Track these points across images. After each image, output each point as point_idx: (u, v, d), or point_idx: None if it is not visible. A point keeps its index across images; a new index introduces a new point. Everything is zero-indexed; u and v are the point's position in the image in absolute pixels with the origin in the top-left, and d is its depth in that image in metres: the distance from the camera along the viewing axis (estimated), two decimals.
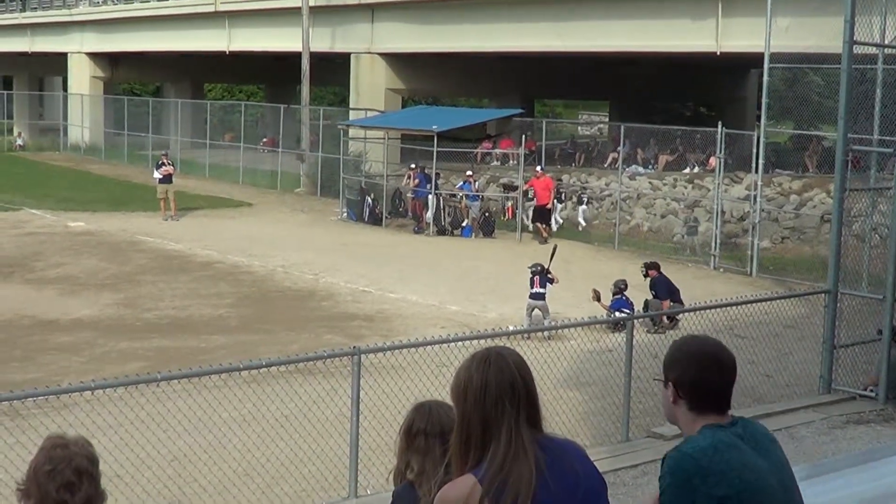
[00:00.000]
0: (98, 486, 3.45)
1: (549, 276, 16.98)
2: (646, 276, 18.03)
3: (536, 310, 16.80)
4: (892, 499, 6.88)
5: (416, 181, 29.38)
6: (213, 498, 9.29)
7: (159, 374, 8.95)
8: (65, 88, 56.47)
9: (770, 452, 3.52)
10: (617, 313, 16.29)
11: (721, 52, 27.19)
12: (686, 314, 15.15)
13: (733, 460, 3.37)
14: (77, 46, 52.37)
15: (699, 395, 3.49)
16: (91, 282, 20.88)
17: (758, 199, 23.20)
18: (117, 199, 33.65)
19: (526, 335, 14.88)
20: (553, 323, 15.94)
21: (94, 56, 52.04)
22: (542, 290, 16.78)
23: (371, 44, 36.85)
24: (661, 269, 18.17)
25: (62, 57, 53.62)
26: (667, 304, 17.12)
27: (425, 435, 3.90)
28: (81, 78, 52.36)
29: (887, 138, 15.37)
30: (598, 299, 16.84)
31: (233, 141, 43.18)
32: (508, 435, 3.13)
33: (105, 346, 15.91)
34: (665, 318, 16.30)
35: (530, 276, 16.96)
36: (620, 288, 17.24)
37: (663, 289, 17.54)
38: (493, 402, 3.15)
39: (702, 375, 3.49)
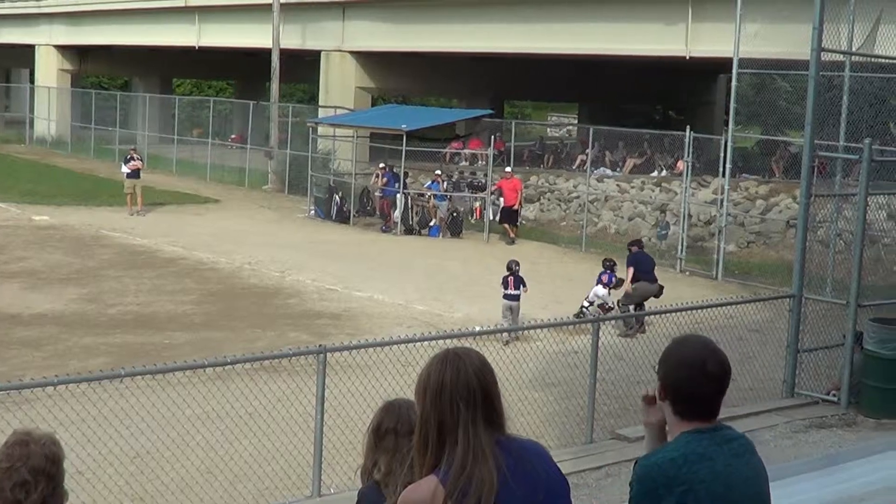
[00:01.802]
0: (58, 485, 3.38)
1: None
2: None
3: (511, 310, 16.84)
4: (854, 502, 6.95)
5: (385, 180, 29.35)
6: (175, 495, 9.24)
7: (123, 369, 8.89)
8: (32, 81, 55.95)
9: (748, 462, 3.48)
10: (600, 287, 17.49)
11: (690, 57, 27.33)
12: (651, 317, 15.25)
13: (702, 472, 3.35)
14: (45, 39, 51.91)
15: (682, 400, 3.44)
16: (55, 276, 20.70)
17: (724, 204, 23.33)
18: (83, 193, 33.38)
19: (492, 335, 14.88)
20: (522, 324, 16.01)
21: (63, 49, 51.60)
22: (517, 292, 16.83)
23: (342, 42, 36.77)
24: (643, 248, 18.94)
25: (30, 49, 53.14)
26: (630, 270, 17.70)
27: (395, 434, 3.87)
28: (49, 70, 51.90)
29: (853, 145, 15.51)
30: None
31: (201, 136, 42.95)
32: (465, 436, 3.11)
33: (68, 341, 15.77)
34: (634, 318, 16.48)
35: (507, 274, 16.93)
36: (608, 266, 18.08)
37: (633, 261, 17.93)
38: (448, 403, 3.14)
39: (684, 383, 3.42)
